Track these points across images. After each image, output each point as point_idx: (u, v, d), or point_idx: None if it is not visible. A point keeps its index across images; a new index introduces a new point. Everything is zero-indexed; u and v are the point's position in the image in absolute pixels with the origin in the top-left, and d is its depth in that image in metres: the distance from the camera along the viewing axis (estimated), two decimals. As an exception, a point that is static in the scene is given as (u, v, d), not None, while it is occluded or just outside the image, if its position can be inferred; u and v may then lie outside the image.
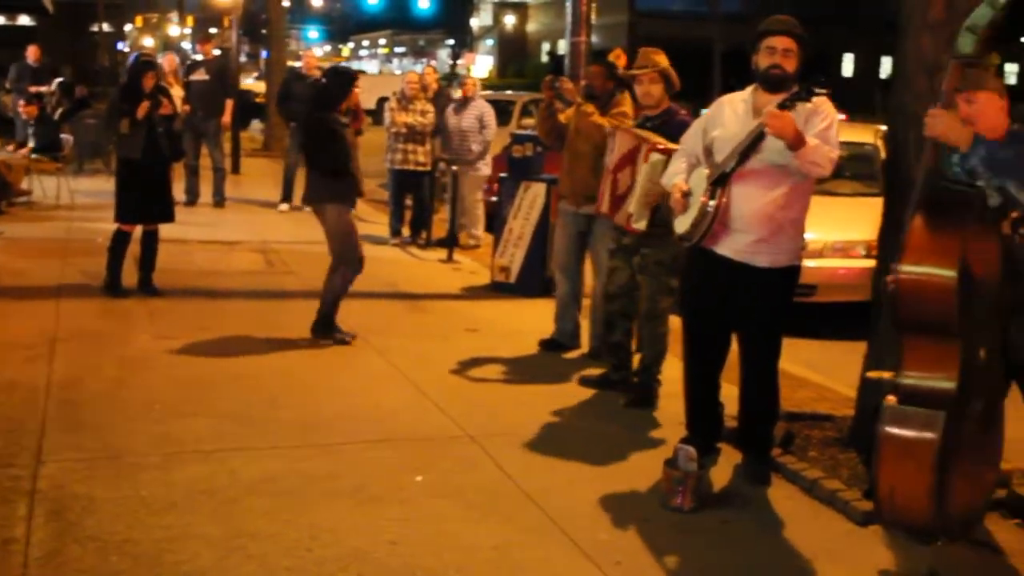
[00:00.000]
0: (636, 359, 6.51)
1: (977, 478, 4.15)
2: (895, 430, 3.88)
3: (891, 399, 3.95)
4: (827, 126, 4.88)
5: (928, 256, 3.89)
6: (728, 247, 5.01)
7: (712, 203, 4.95)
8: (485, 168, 11.40)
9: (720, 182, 4.96)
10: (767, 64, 4.96)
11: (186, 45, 48.06)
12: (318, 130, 7.31)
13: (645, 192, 6.01)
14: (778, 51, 4.94)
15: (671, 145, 5.89)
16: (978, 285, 3.95)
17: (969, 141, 4.02)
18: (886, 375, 4.07)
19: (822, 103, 4.88)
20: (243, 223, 12.46)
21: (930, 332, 3.90)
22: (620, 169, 6.28)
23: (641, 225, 6.09)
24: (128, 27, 58.35)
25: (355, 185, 7.35)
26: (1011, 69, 51.17)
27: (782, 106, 4.69)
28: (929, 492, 3.78)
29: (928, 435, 3.79)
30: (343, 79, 7.46)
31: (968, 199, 4.00)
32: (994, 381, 4.20)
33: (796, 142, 4.70)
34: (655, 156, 5.96)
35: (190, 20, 48.21)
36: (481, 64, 56.08)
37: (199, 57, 14.37)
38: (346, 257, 7.34)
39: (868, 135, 10.33)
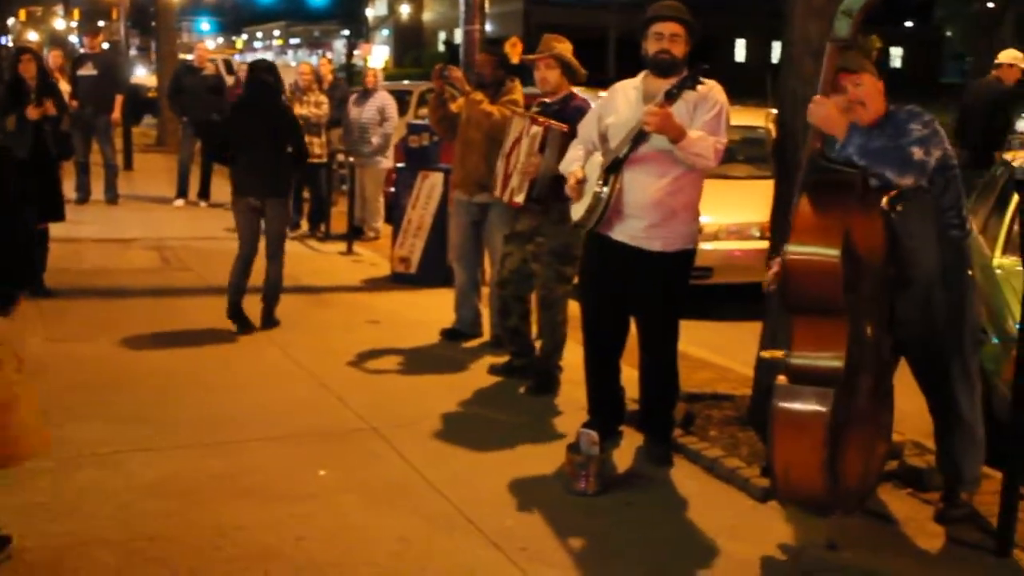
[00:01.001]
0: (539, 345, 6.56)
1: (870, 451, 4.26)
2: (787, 408, 3.97)
3: (782, 378, 4.05)
4: (715, 114, 4.94)
5: (813, 237, 3.98)
6: (623, 233, 5.06)
7: (605, 190, 5.00)
8: (386, 161, 11.34)
9: (613, 169, 5.00)
10: (655, 50, 5.02)
11: (74, 39, 46.79)
12: (289, 122, 7.54)
13: (523, 164, 6.10)
14: (666, 36, 5.01)
15: (554, 123, 6.01)
16: (864, 263, 4.06)
17: (844, 130, 4.16)
18: (778, 354, 4.16)
19: (711, 90, 4.95)
20: (137, 220, 12.22)
21: (817, 311, 3.99)
22: (512, 152, 6.33)
23: (519, 199, 6.15)
24: (11, 21, 56.67)
25: None
26: (896, 52, 52.60)
27: (669, 94, 4.74)
28: (822, 467, 3.87)
29: (818, 411, 3.88)
30: (274, 70, 7.64)
31: (850, 180, 4.11)
32: (883, 356, 4.32)
33: (676, 136, 4.77)
34: (534, 129, 6.07)
35: (76, 13, 46.89)
36: (377, 54, 55.54)
37: (86, 51, 14.04)
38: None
39: (760, 119, 10.51)
